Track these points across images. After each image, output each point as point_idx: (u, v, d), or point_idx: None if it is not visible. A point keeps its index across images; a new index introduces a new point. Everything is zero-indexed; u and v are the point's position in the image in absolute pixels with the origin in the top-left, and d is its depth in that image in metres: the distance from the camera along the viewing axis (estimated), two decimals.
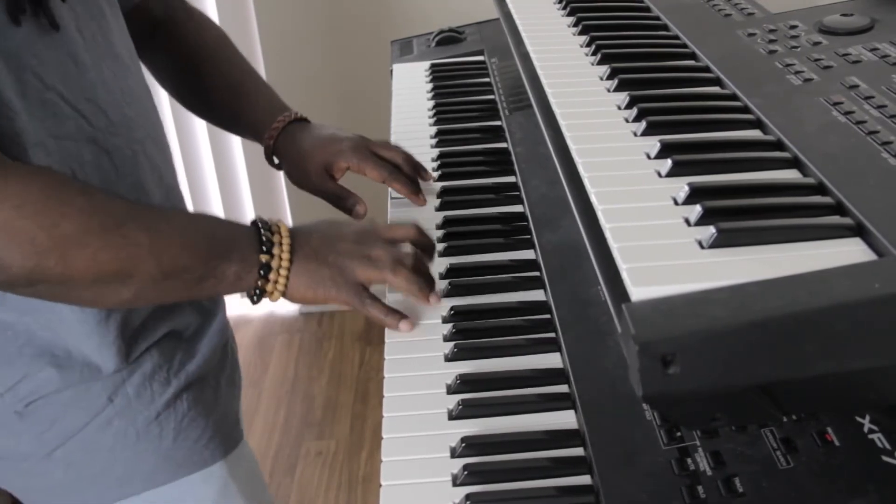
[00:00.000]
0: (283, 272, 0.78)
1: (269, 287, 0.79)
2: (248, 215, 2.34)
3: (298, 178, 1.02)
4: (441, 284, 0.89)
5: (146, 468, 0.85)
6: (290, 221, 2.39)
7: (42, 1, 0.72)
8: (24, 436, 0.82)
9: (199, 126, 2.20)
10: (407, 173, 1.02)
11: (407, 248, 0.85)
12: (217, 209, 2.33)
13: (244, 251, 0.77)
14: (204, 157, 2.26)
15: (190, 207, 2.22)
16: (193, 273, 0.75)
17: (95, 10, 0.81)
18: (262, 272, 0.78)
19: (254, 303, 0.80)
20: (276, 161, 1.03)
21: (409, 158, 1.03)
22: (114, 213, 0.72)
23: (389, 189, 1.04)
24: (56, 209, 0.68)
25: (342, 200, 1.00)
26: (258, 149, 1.04)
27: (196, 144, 2.24)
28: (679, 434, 0.67)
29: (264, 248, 0.78)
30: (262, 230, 0.79)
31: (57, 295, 0.73)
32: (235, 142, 2.23)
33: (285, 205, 2.38)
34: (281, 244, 0.79)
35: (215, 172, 2.28)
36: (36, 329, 0.79)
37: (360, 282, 0.81)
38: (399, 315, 0.84)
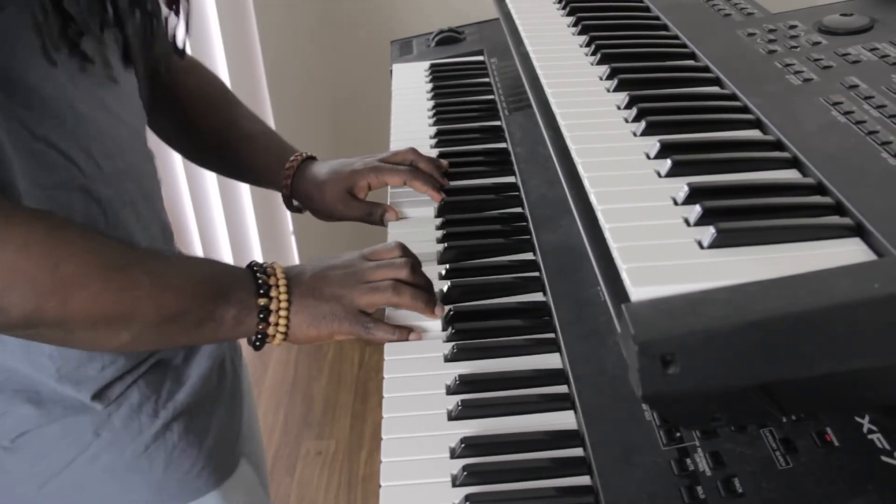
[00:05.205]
0: (282, 313, 0.78)
1: (271, 330, 0.78)
2: (252, 236, 2.35)
3: (324, 211, 1.03)
4: (441, 285, 0.89)
5: (137, 500, 0.85)
6: (294, 244, 2.40)
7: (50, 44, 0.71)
8: (14, 471, 0.82)
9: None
10: (424, 169, 1.04)
11: (398, 260, 0.84)
12: (221, 229, 2.33)
13: (241, 294, 0.77)
14: (208, 176, 2.26)
15: (195, 229, 2.19)
16: (192, 316, 0.74)
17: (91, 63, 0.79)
18: (261, 316, 0.77)
19: (256, 348, 0.80)
20: (296, 203, 1.04)
21: (420, 155, 1.05)
22: (114, 255, 0.71)
23: (388, 198, 1.05)
24: (58, 251, 0.67)
25: (371, 215, 1.02)
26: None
27: (203, 182, 2.25)
28: (678, 434, 0.66)
29: (261, 292, 0.78)
30: (257, 274, 0.79)
31: (56, 338, 0.73)
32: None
33: (288, 226, 2.38)
34: (277, 286, 0.78)
35: (219, 194, 2.28)
36: (19, 368, 0.79)
37: (362, 308, 0.81)
38: (405, 329, 0.83)
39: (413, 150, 1.05)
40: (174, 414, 0.85)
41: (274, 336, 0.79)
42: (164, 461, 0.85)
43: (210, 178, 2.26)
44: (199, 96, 1.03)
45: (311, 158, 1.05)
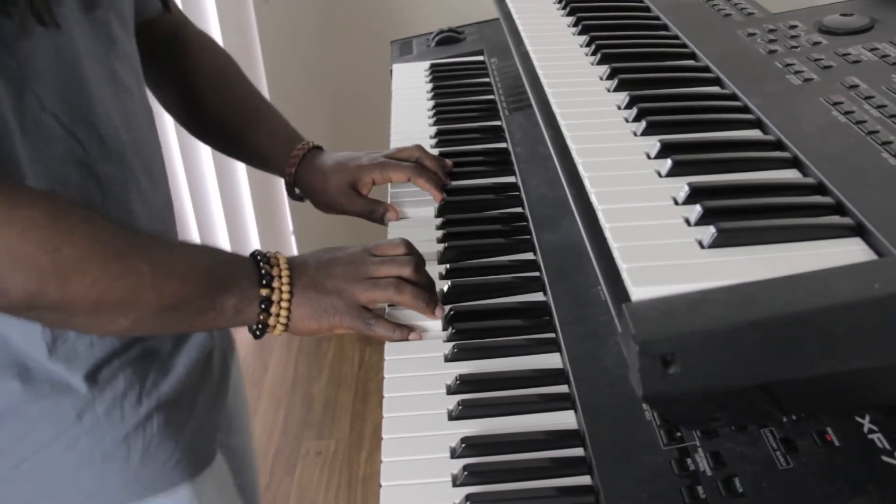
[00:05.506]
0: (284, 304, 0.78)
1: (272, 321, 0.78)
2: (251, 236, 2.35)
3: (326, 202, 1.03)
4: (441, 285, 0.89)
5: (112, 488, 0.84)
6: (294, 243, 2.40)
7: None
8: None
9: (204, 148, 2.20)
10: (429, 167, 1.04)
11: (402, 258, 0.84)
12: (221, 229, 2.33)
13: (243, 284, 0.77)
14: (208, 176, 2.25)
15: (194, 229, 2.18)
16: (192, 305, 0.74)
17: (105, 30, 0.80)
18: (262, 306, 0.77)
19: (256, 337, 0.79)
20: (298, 192, 1.04)
21: (426, 152, 1.05)
22: (117, 241, 0.71)
23: (388, 197, 1.05)
24: (60, 235, 0.67)
25: (373, 213, 1.02)
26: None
27: (200, 165, 2.24)
28: (679, 434, 0.66)
29: (264, 282, 0.77)
30: (260, 263, 0.78)
31: (55, 320, 0.73)
32: (240, 164, 2.24)
33: (288, 225, 2.38)
34: (280, 276, 0.78)
35: (219, 193, 2.28)
36: (11, 337, 0.78)
37: (363, 304, 0.81)
38: (406, 328, 0.83)
39: (419, 148, 1.05)
40: (157, 404, 0.85)
41: (275, 326, 0.79)
42: (141, 452, 0.84)
43: (210, 180, 2.26)
44: (211, 72, 1.03)
45: (318, 148, 1.05)
